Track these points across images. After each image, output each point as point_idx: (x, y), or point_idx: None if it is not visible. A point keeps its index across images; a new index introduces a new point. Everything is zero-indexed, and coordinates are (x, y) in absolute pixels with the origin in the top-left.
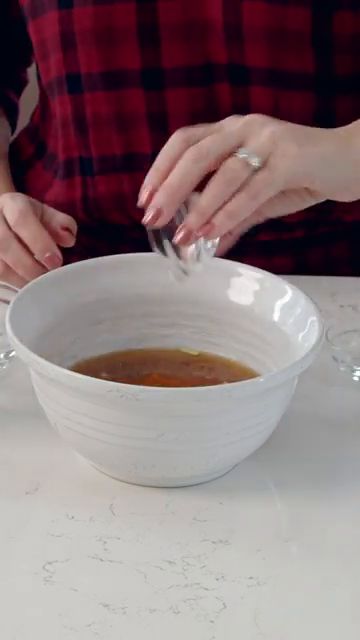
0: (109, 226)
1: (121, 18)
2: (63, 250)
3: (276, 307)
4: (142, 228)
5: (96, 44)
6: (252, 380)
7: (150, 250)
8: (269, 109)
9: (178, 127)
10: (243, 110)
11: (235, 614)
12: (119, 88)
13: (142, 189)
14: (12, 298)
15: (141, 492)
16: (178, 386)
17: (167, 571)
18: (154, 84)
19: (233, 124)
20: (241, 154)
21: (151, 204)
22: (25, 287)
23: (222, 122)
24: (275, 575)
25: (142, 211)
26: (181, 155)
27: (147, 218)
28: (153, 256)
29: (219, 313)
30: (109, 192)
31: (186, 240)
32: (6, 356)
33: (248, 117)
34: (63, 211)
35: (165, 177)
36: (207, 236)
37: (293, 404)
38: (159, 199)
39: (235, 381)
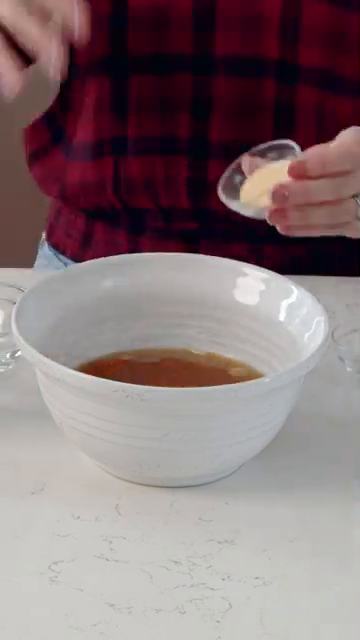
0: (134, 211)
1: (178, 1)
2: (79, 247)
3: (282, 307)
4: (166, 215)
5: (149, 27)
6: (258, 380)
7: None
8: (313, 110)
9: (220, 114)
10: (287, 108)
11: (241, 614)
12: (168, 73)
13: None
14: (18, 298)
15: (146, 492)
16: (188, 385)
17: (173, 571)
18: (203, 70)
19: None
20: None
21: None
22: (31, 287)
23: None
24: (281, 575)
25: (170, 196)
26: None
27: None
28: (159, 256)
29: (225, 313)
30: (141, 173)
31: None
32: (12, 356)
33: None
34: (91, 192)
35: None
36: (278, 221)
37: (299, 404)
38: (294, 199)
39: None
